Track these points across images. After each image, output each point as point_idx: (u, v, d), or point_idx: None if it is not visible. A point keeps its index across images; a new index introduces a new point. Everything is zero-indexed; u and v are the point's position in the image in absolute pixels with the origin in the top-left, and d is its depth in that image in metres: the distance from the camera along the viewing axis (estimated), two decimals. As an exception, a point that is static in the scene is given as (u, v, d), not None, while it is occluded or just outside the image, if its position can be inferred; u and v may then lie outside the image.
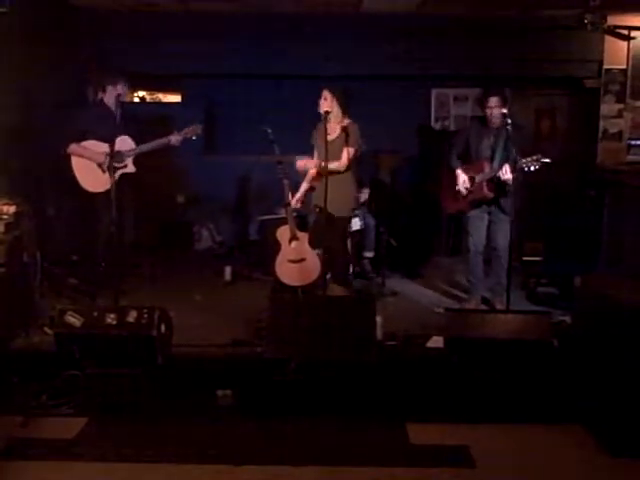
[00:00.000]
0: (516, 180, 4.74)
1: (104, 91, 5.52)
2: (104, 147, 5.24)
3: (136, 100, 8.38)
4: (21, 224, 4.75)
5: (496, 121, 5.09)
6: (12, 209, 4.70)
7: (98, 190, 5.37)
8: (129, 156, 5.41)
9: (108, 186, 5.24)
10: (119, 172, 5.35)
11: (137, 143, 5.44)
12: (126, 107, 5.75)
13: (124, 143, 5.37)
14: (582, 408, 3.73)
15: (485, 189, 5.10)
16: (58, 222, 6.17)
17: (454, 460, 3.29)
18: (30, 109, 5.81)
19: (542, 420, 3.66)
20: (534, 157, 4.73)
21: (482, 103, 5.23)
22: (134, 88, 8.19)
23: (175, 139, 5.47)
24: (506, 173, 4.88)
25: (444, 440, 3.48)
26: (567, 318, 4.81)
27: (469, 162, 5.27)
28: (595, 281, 4.76)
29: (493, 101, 5.06)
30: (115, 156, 5.30)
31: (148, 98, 8.66)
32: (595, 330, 4.25)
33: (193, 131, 5.49)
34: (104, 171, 5.33)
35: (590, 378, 3.96)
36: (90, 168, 5.38)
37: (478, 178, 5.13)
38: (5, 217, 4.64)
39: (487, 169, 5.09)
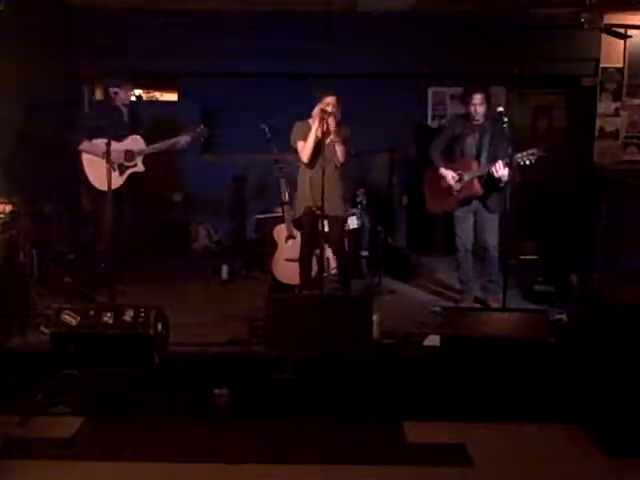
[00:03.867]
0: (511, 176, 4.75)
1: (116, 92, 5.51)
2: (116, 146, 5.25)
3: (132, 99, 8.36)
4: (17, 223, 4.73)
5: (480, 118, 5.09)
6: (8, 208, 4.70)
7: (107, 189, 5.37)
8: (140, 155, 5.44)
9: (118, 185, 5.38)
10: (129, 171, 5.37)
11: (145, 142, 5.48)
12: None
13: (136, 142, 5.43)
14: (579, 407, 3.73)
15: (476, 186, 5.10)
16: (55, 221, 6.16)
17: (451, 459, 3.29)
18: (27, 108, 5.79)
19: (539, 419, 3.65)
20: (530, 151, 4.75)
21: (465, 100, 5.22)
22: (130, 86, 8.17)
23: (184, 140, 5.53)
24: (500, 169, 4.88)
25: (441, 439, 3.48)
26: (564, 316, 4.82)
27: (453, 160, 5.26)
28: (592, 280, 4.77)
29: (477, 98, 5.05)
30: (126, 155, 5.35)
31: (145, 97, 8.64)
32: (592, 328, 4.26)
33: (202, 132, 5.58)
34: (114, 169, 5.34)
35: (587, 377, 3.96)
36: (101, 167, 5.30)
37: (467, 176, 5.11)
38: (1, 216, 4.63)
39: (475, 166, 5.08)
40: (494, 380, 3.94)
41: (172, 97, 8.29)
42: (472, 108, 5.07)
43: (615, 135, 7.11)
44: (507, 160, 4.75)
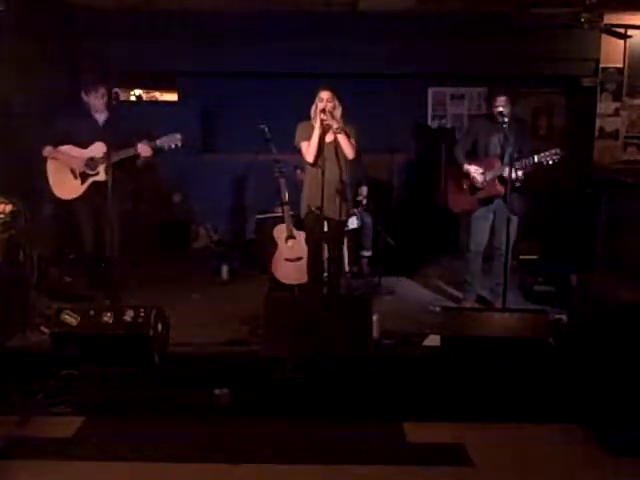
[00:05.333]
0: (529, 176, 4.79)
1: (87, 93, 5.21)
2: (80, 152, 5.12)
3: (132, 99, 8.37)
4: (17, 223, 4.73)
5: (504, 119, 5.10)
6: (8, 208, 4.70)
7: (67, 197, 5.21)
8: (102, 163, 5.05)
9: (78, 193, 5.16)
10: (90, 179, 5.14)
11: (120, 148, 5.05)
12: (121, 107, 5.66)
13: (99, 149, 5.08)
14: (579, 407, 3.73)
15: (498, 185, 5.11)
16: (54, 221, 6.16)
17: (451, 459, 3.29)
18: (27, 108, 5.79)
19: (539, 419, 3.66)
20: (552, 151, 4.80)
21: (489, 102, 5.26)
22: (131, 86, 8.18)
23: (143, 148, 5.04)
24: (515, 171, 4.92)
25: (441, 439, 3.48)
26: (564, 316, 4.82)
27: (477, 159, 5.27)
28: (592, 280, 4.77)
29: (501, 100, 5.07)
30: (89, 163, 5.12)
31: (145, 97, 8.65)
32: (592, 328, 4.26)
33: (169, 141, 5.06)
34: (76, 177, 5.17)
35: (587, 377, 3.96)
36: (63, 173, 5.19)
37: (489, 175, 5.13)
38: (1, 216, 4.64)
39: (498, 166, 5.10)
40: (494, 380, 3.94)
41: (172, 97, 8.30)
42: (496, 110, 5.09)
43: (615, 135, 7.11)
44: (529, 161, 4.84)
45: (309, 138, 4.80)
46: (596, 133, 7.12)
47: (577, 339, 4.38)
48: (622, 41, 6.80)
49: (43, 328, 4.50)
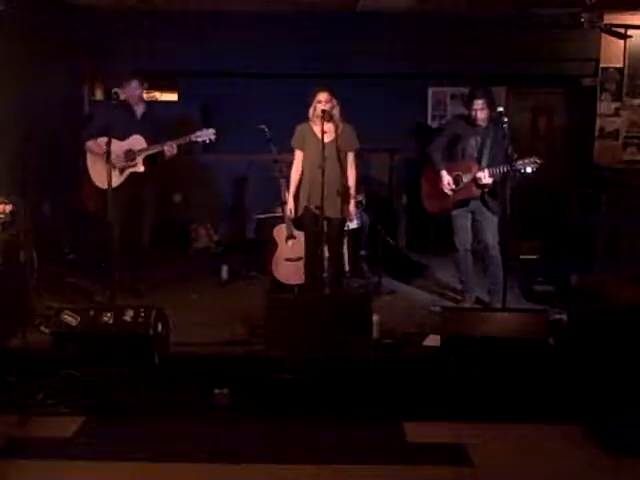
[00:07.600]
0: (505, 182, 4.77)
1: (122, 87, 5.38)
2: (118, 145, 5.25)
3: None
4: (17, 223, 4.74)
5: (482, 122, 5.10)
6: (8, 208, 4.70)
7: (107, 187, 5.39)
8: (140, 155, 5.35)
9: (117, 183, 5.32)
10: (128, 170, 5.36)
11: (154, 142, 5.36)
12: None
13: (137, 142, 5.36)
14: (579, 406, 3.73)
15: (473, 188, 5.10)
16: (55, 221, 6.16)
17: (451, 459, 3.30)
18: (27, 108, 5.79)
19: (539, 419, 3.66)
20: (530, 159, 4.74)
21: (466, 104, 5.24)
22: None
23: (169, 147, 5.33)
24: (485, 178, 4.96)
25: (441, 439, 3.48)
26: (564, 316, 4.82)
27: (454, 161, 5.25)
28: (592, 280, 4.78)
29: (478, 104, 5.05)
30: (127, 154, 5.35)
31: (145, 97, 8.63)
32: (591, 329, 4.26)
33: (205, 135, 5.35)
34: (114, 168, 5.30)
35: (587, 377, 3.96)
36: (102, 165, 5.26)
37: (466, 178, 5.11)
38: (1, 216, 4.64)
39: (474, 169, 5.08)
40: (494, 380, 3.94)
41: (172, 97, 8.29)
42: (473, 113, 5.08)
43: (615, 135, 7.11)
44: (501, 169, 4.82)
45: (304, 145, 4.98)
46: (596, 133, 7.12)
47: (577, 339, 4.38)
48: (622, 41, 6.78)
49: (43, 328, 4.50)
